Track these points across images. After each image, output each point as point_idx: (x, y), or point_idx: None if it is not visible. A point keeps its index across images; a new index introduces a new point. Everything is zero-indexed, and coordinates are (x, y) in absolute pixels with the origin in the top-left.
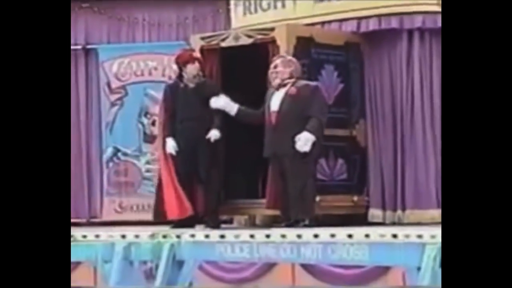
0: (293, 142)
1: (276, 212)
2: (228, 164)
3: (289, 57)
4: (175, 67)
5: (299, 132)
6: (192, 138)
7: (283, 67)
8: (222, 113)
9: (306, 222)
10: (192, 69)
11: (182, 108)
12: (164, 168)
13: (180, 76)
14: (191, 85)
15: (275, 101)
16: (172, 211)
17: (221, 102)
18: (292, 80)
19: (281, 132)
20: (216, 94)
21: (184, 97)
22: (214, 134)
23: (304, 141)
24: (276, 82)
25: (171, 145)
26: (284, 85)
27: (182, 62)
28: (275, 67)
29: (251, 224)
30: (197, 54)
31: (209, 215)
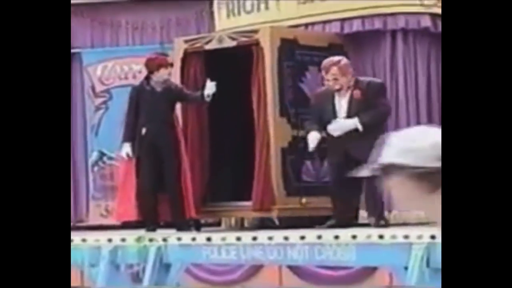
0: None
1: (264, 214)
2: (213, 165)
3: (344, 62)
4: (143, 69)
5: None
6: (156, 141)
7: (341, 75)
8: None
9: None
10: (164, 73)
11: (148, 112)
12: (124, 169)
13: (147, 79)
14: (159, 89)
15: (341, 107)
16: (122, 213)
17: None
18: (352, 84)
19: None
20: (183, 99)
21: (150, 100)
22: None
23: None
24: (336, 87)
25: (125, 149)
26: (347, 88)
27: (155, 65)
28: (334, 77)
29: (240, 226)
30: (170, 59)
31: (179, 220)
